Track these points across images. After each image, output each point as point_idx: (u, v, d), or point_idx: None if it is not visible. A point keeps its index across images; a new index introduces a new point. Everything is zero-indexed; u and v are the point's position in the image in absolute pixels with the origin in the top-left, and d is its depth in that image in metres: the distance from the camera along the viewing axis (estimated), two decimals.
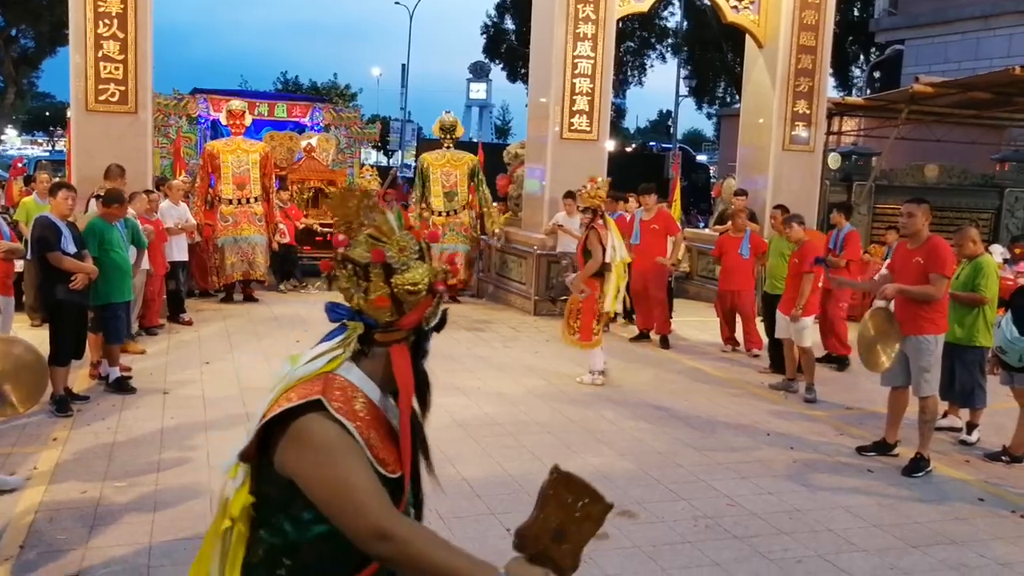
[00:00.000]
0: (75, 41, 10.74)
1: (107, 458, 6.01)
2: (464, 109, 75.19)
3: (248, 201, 12.55)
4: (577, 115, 12.57)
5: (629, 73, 43.20)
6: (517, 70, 42.39)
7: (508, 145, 19.27)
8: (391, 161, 48.50)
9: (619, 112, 52.24)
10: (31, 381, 5.55)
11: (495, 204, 14.36)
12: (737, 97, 22.89)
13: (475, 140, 35.73)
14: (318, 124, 17.96)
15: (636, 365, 9.59)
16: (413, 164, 30.98)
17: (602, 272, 8.46)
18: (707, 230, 15.75)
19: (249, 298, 12.56)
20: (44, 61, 39.92)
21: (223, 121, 14.48)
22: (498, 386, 8.29)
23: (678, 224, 11.71)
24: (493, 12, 45.73)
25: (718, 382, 9.05)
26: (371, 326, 2.04)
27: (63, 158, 17.89)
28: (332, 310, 2.11)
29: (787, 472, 6.35)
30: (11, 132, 58.53)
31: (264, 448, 2.00)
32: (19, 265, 8.33)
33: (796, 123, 13.57)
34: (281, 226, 13.28)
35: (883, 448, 6.80)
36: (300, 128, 17.73)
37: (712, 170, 35.88)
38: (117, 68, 10.74)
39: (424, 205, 13.24)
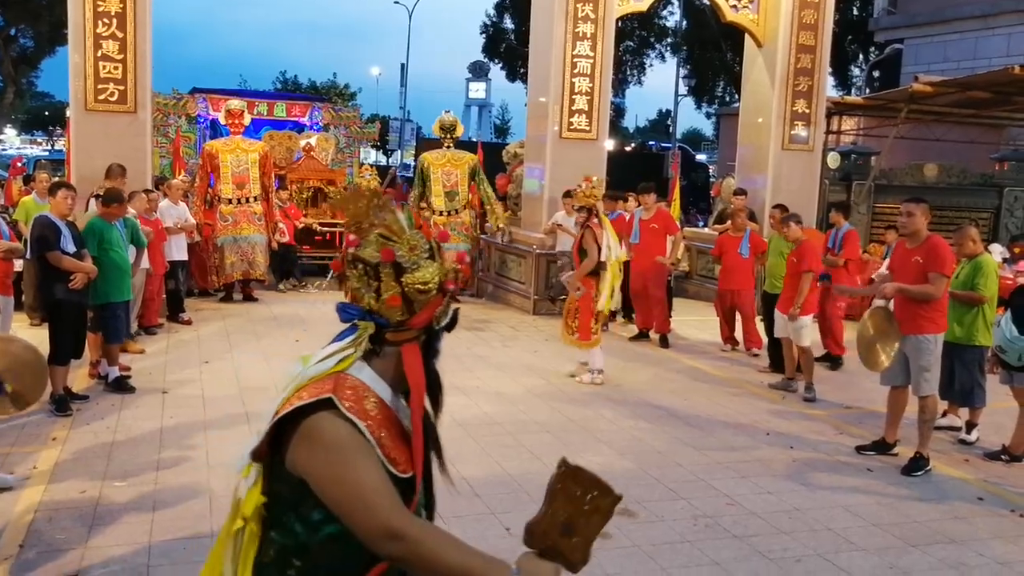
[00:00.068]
0: (74, 41, 10.73)
1: (106, 458, 6.01)
2: (463, 108, 75.13)
3: (247, 200, 12.55)
4: (576, 114, 12.57)
5: (628, 72, 43.17)
6: (516, 69, 42.36)
7: (507, 144, 19.27)
8: (390, 160, 48.45)
9: (618, 111, 52.24)
10: (31, 379, 5.55)
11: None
12: (736, 96, 22.88)
13: (474, 139, 35.73)
14: (317, 123, 17.97)
15: (635, 364, 9.59)
16: (412, 164, 30.98)
17: (598, 271, 8.47)
18: (706, 229, 15.76)
19: (248, 298, 12.56)
20: (43, 61, 39.92)
21: (222, 120, 14.48)
22: (497, 385, 8.29)
23: (677, 223, 11.73)
24: (492, 11, 45.71)
25: (717, 381, 9.05)
26: (382, 325, 2.03)
27: (62, 157, 17.88)
28: (343, 310, 2.10)
29: (786, 471, 6.35)
30: (10, 132, 58.52)
31: (276, 447, 2.00)
32: (18, 264, 8.33)
33: (795, 122, 13.57)
34: (281, 225, 13.30)
35: (882, 447, 6.80)
36: (299, 127, 17.74)
37: (711, 169, 35.88)
38: (116, 68, 10.73)
39: (424, 205, 13.24)
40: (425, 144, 23.73)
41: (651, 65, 44.65)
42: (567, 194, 11.59)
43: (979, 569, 4.88)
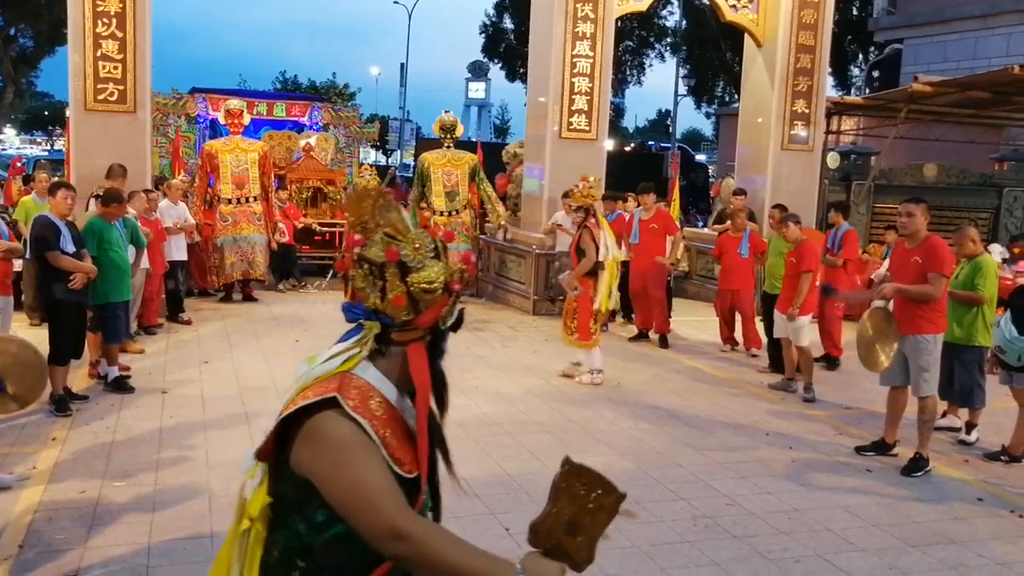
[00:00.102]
0: (74, 40, 10.73)
1: (106, 458, 6.01)
2: (463, 108, 75.16)
3: (247, 200, 12.56)
4: (576, 114, 12.58)
5: (628, 72, 43.16)
6: (516, 69, 42.35)
7: (507, 144, 19.27)
8: (390, 160, 48.49)
9: (618, 111, 52.21)
10: (31, 379, 5.55)
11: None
12: (736, 96, 22.87)
13: (474, 139, 35.74)
14: (317, 123, 17.95)
15: (635, 365, 9.59)
16: (412, 163, 30.99)
17: (595, 271, 8.48)
18: (706, 229, 15.76)
19: (248, 298, 12.56)
20: (43, 60, 39.90)
21: (221, 120, 14.48)
22: (497, 386, 8.29)
23: (677, 223, 11.72)
24: (492, 11, 45.69)
25: (717, 382, 9.05)
26: (388, 325, 2.03)
27: (62, 157, 17.88)
28: (348, 310, 2.10)
29: (786, 472, 6.35)
30: (10, 131, 58.52)
31: (281, 447, 2.00)
32: (18, 264, 8.32)
33: (795, 122, 13.58)
34: (280, 225, 13.30)
35: (882, 448, 6.81)
36: (299, 127, 17.73)
37: (711, 169, 35.91)
38: (116, 67, 10.73)
39: (424, 205, 13.24)
40: (425, 144, 23.74)
41: (651, 65, 44.69)
42: (567, 194, 11.58)
43: (979, 570, 4.88)
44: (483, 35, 46.33)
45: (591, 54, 12.47)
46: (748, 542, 5.07)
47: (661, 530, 5.14)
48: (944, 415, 7.50)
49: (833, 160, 14.87)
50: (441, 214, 13.18)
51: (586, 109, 12.59)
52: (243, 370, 8.55)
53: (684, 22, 40.19)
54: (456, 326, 2.12)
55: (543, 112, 12.74)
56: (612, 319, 11.61)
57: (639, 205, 11.11)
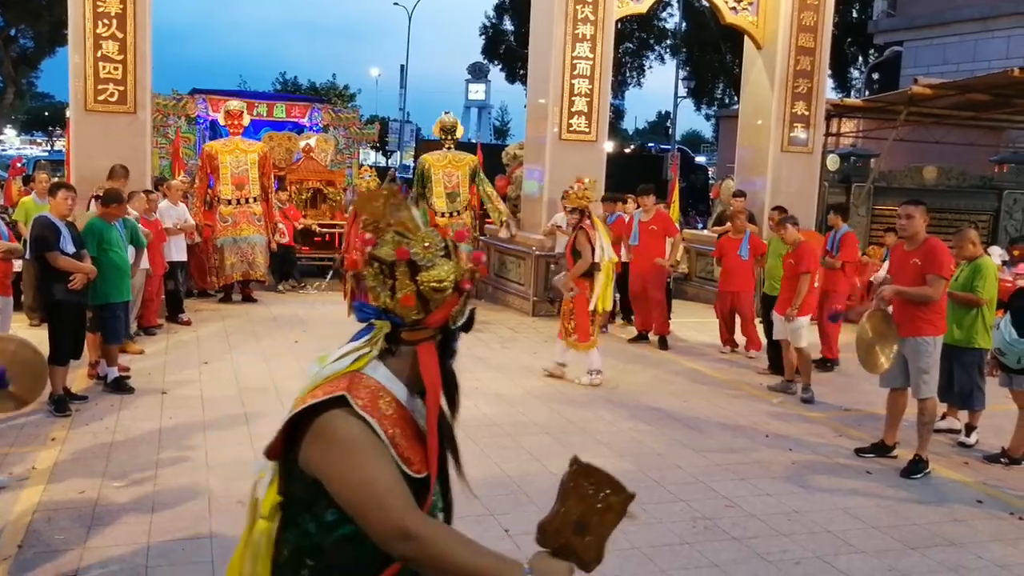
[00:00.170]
0: (74, 41, 10.73)
1: (105, 458, 6.01)
2: (463, 110, 75.19)
3: (247, 201, 12.56)
4: (576, 116, 12.58)
5: (628, 74, 43.20)
6: (516, 71, 42.39)
7: (507, 146, 19.27)
8: (389, 162, 48.49)
9: (618, 113, 52.26)
10: (30, 379, 5.54)
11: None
12: (736, 98, 22.87)
13: (474, 141, 35.73)
14: (317, 124, 17.96)
15: (635, 366, 9.59)
16: (412, 165, 30.97)
17: (591, 272, 8.48)
18: (705, 231, 15.76)
19: (248, 298, 12.56)
20: (43, 61, 39.95)
21: (221, 121, 14.48)
22: (496, 387, 8.28)
23: (676, 225, 11.73)
24: (492, 13, 45.79)
25: (717, 383, 9.05)
26: (398, 324, 2.02)
27: (62, 158, 17.89)
28: (359, 309, 2.09)
29: (786, 473, 6.35)
30: (10, 132, 58.51)
31: (291, 445, 1.99)
32: (18, 265, 8.32)
33: (795, 124, 13.58)
34: (280, 226, 13.30)
35: (882, 450, 6.81)
36: (299, 128, 17.74)
37: (711, 171, 35.91)
38: (116, 68, 10.73)
39: (424, 206, 13.24)
40: (424, 145, 23.73)
41: (650, 67, 44.81)
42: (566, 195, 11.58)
43: (978, 572, 4.88)
44: (483, 37, 46.41)
45: (591, 56, 12.48)
46: (748, 544, 5.07)
47: (660, 531, 5.14)
48: (944, 417, 7.50)
49: (833, 162, 14.86)
50: (442, 215, 13.18)
51: (586, 111, 12.60)
52: (243, 371, 8.55)
53: (684, 24, 40.22)
54: (467, 326, 2.11)
55: (543, 114, 12.75)
56: (612, 321, 11.62)
57: (639, 207, 11.11)
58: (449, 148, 13.52)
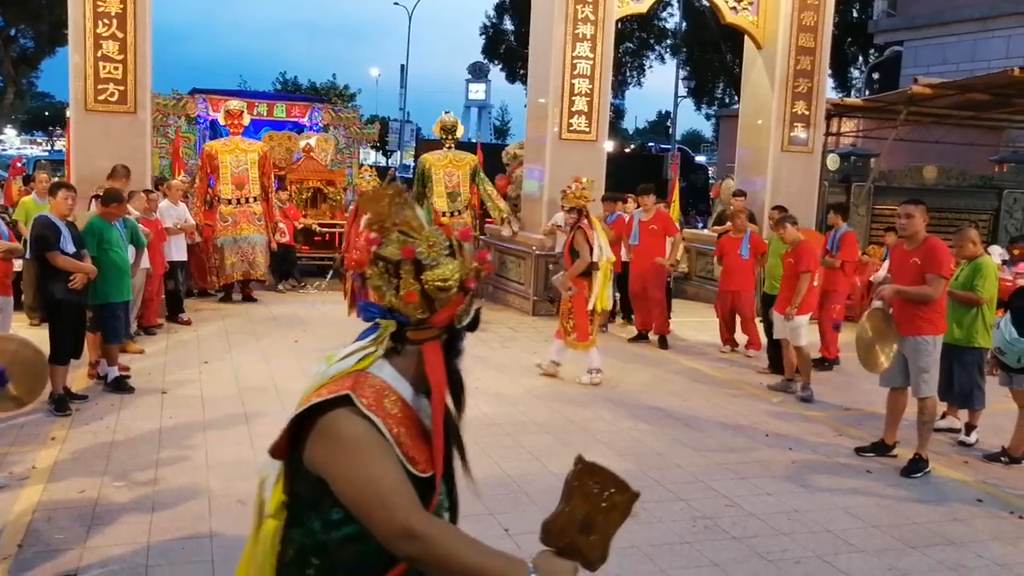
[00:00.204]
0: (74, 41, 10.73)
1: (105, 458, 6.01)
2: (463, 109, 75.18)
3: (247, 201, 12.57)
4: (576, 116, 12.58)
5: (628, 74, 43.18)
6: (516, 70, 42.39)
7: (507, 146, 19.27)
8: (390, 161, 48.49)
9: (618, 113, 52.25)
10: (31, 378, 5.55)
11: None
12: (736, 98, 22.88)
13: (474, 141, 35.72)
14: (317, 124, 17.96)
15: (635, 365, 9.59)
16: (412, 164, 30.98)
17: (589, 271, 8.49)
18: (705, 231, 15.76)
19: (248, 298, 12.56)
20: (43, 61, 39.91)
21: (221, 121, 14.48)
22: (496, 386, 8.28)
23: (676, 225, 11.73)
24: (492, 13, 45.77)
25: (717, 383, 9.05)
26: (403, 324, 2.02)
27: (62, 158, 17.89)
28: (365, 308, 2.09)
29: (786, 473, 6.35)
30: (10, 132, 58.51)
31: (296, 444, 1.99)
32: (18, 264, 8.33)
33: (795, 124, 13.58)
34: (281, 225, 13.31)
35: (882, 449, 6.81)
36: (299, 128, 17.74)
37: (711, 171, 35.89)
38: (116, 68, 10.73)
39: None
40: (425, 145, 23.72)
41: (651, 67, 44.76)
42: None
43: (978, 571, 4.88)
44: (483, 36, 46.40)
45: (591, 56, 12.48)
46: (747, 543, 5.07)
47: (660, 531, 5.14)
48: (944, 416, 7.50)
49: (833, 162, 14.86)
50: (443, 215, 13.18)
51: (586, 110, 12.60)
52: (242, 370, 8.55)
53: (684, 24, 40.21)
54: (473, 325, 2.11)
55: (543, 113, 12.75)
56: (612, 320, 11.62)
57: (639, 206, 11.11)
58: (449, 148, 13.52)
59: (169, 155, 15.48)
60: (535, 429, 7.06)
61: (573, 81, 12.47)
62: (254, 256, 12.39)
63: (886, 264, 9.33)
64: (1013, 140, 19.53)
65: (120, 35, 10.69)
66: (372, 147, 35.96)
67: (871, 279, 11.41)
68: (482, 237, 13.95)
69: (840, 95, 30.31)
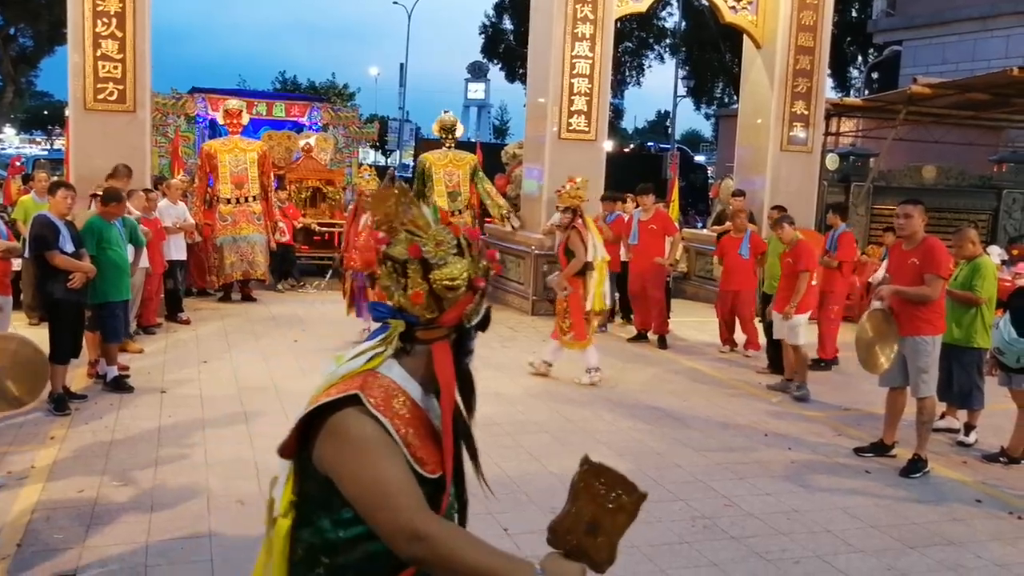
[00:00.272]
0: (73, 40, 10.72)
1: (104, 457, 6.01)
2: (462, 109, 75.23)
3: (246, 200, 12.57)
4: (575, 115, 12.57)
5: (627, 73, 43.19)
6: (515, 70, 42.39)
7: (506, 145, 19.28)
8: (389, 161, 48.46)
9: (617, 112, 52.22)
10: (31, 377, 5.55)
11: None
12: (735, 98, 22.86)
13: (473, 140, 35.72)
14: (316, 124, 17.96)
15: (634, 365, 9.59)
16: (411, 164, 30.96)
17: (584, 271, 8.49)
18: (705, 230, 15.76)
19: (247, 297, 12.56)
20: (42, 60, 39.88)
21: (220, 120, 14.48)
22: (496, 386, 8.28)
23: (676, 224, 11.73)
24: (491, 12, 45.77)
25: (716, 382, 9.05)
26: (412, 323, 2.02)
27: (61, 157, 17.87)
28: (374, 308, 2.09)
29: (785, 473, 6.35)
30: (9, 131, 58.46)
31: (305, 444, 1.99)
32: (17, 263, 8.32)
33: (794, 124, 13.58)
34: (281, 225, 13.31)
35: (881, 449, 6.81)
36: (298, 127, 17.73)
37: (710, 171, 35.91)
38: (116, 67, 10.72)
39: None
40: (424, 144, 23.72)
41: (650, 66, 44.77)
42: None
43: (977, 571, 4.88)
44: (482, 36, 46.40)
45: (590, 55, 12.47)
46: (747, 543, 5.07)
47: (660, 531, 5.14)
48: (943, 416, 7.50)
49: (832, 161, 14.87)
50: None
51: (585, 110, 12.59)
52: (242, 370, 8.55)
53: (683, 23, 40.22)
54: (482, 325, 2.10)
55: (542, 113, 12.74)
56: (611, 320, 11.62)
57: (638, 206, 11.11)
58: (449, 147, 13.53)
59: (168, 154, 15.48)
60: (534, 429, 7.06)
61: (572, 80, 12.47)
62: (253, 255, 12.39)
63: (885, 264, 9.34)
64: (1012, 140, 19.55)
65: (119, 34, 10.68)
66: (371, 146, 35.97)
67: (870, 279, 11.40)
68: (481, 237, 13.94)
69: (839, 95, 30.33)
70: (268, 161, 13.18)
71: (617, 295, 11.70)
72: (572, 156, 12.41)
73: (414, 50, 72.15)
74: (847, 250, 9.73)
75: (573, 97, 12.53)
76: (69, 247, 7.06)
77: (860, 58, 37.17)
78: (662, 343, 10.64)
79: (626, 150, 39.71)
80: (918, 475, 6.37)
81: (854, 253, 10.14)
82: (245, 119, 13.35)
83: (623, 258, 11.22)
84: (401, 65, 52.58)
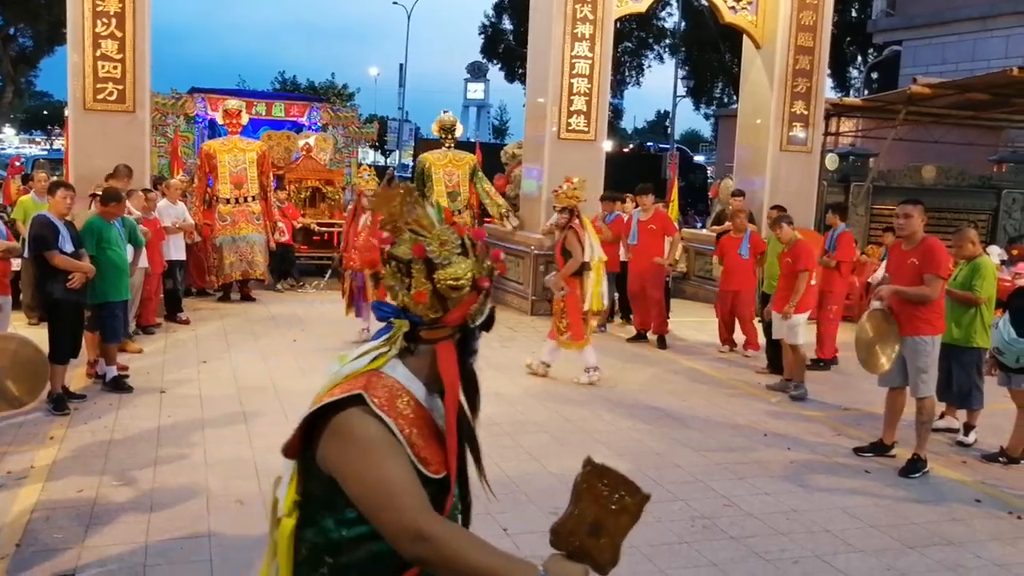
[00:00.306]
0: (73, 40, 10.72)
1: (104, 457, 6.00)
2: (462, 109, 75.30)
3: (246, 200, 12.57)
4: (575, 115, 12.57)
5: (627, 73, 43.16)
6: (515, 70, 42.38)
7: (505, 145, 19.26)
8: (388, 161, 48.46)
9: (617, 112, 52.23)
10: (31, 377, 5.55)
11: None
12: (735, 98, 22.87)
13: (473, 140, 35.71)
14: (316, 124, 17.95)
15: (633, 365, 9.59)
16: (411, 164, 30.96)
17: (581, 271, 8.49)
18: (704, 230, 15.76)
19: (246, 297, 12.56)
20: (42, 60, 39.86)
21: (219, 120, 14.48)
22: (495, 386, 8.27)
23: (675, 224, 11.73)
24: (491, 12, 45.74)
25: (715, 382, 9.05)
26: (417, 323, 2.01)
27: (61, 157, 17.85)
28: (378, 308, 2.08)
29: (784, 473, 6.35)
30: (9, 131, 58.44)
31: (309, 444, 1.99)
32: (16, 263, 8.32)
33: (794, 124, 13.57)
34: (280, 225, 13.30)
35: (880, 449, 6.81)
36: (298, 128, 17.72)
37: (709, 171, 35.90)
38: (115, 67, 10.72)
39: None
40: (423, 144, 23.72)
41: (649, 66, 44.74)
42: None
43: (976, 571, 4.88)
44: (482, 36, 46.37)
45: (590, 55, 12.47)
46: (746, 543, 5.07)
47: (659, 531, 5.14)
48: (942, 416, 7.50)
49: (832, 162, 14.87)
50: None
51: (585, 110, 12.59)
52: (241, 370, 8.55)
53: (683, 23, 40.20)
54: (487, 325, 2.10)
55: (542, 113, 12.74)
56: (611, 320, 11.62)
57: (637, 206, 11.11)
58: (449, 147, 13.53)
59: (168, 154, 15.47)
60: (533, 429, 7.05)
61: (572, 80, 12.47)
62: (253, 255, 12.39)
63: (884, 264, 9.33)
64: (1012, 140, 19.55)
65: (119, 34, 10.68)
66: (371, 146, 35.98)
67: (869, 280, 11.40)
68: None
69: (839, 95, 30.33)
70: (267, 161, 13.18)
71: (616, 295, 11.71)
72: (571, 156, 12.40)
73: (414, 50, 72.24)
74: (845, 250, 9.73)
75: (572, 97, 12.53)
76: (68, 247, 7.06)
77: (860, 58, 37.15)
78: (661, 343, 10.64)
79: (625, 150, 39.69)
80: (917, 475, 6.37)
81: (852, 253, 10.13)
82: (244, 119, 13.35)
83: (622, 258, 11.23)
84: (401, 65, 52.64)
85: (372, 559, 1.94)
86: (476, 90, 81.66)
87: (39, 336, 6.87)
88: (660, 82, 50.16)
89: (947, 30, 23.86)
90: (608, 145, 16.36)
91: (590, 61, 12.48)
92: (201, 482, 5.59)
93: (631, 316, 11.45)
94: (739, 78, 14.95)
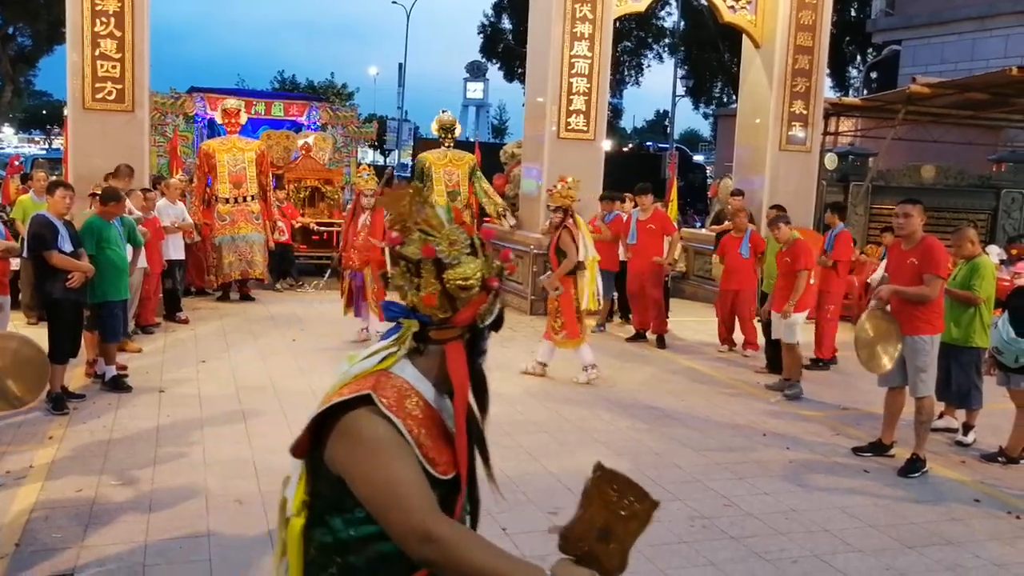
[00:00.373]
0: (72, 39, 10.71)
1: (103, 456, 6.00)
2: (461, 108, 75.27)
3: (245, 200, 12.57)
4: (574, 115, 12.58)
5: (626, 73, 43.14)
6: (514, 69, 42.34)
7: (505, 145, 19.26)
8: (388, 160, 48.42)
9: (616, 112, 52.22)
10: (32, 377, 5.55)
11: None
12: (734, 97, 22.89)
13: (472, 140, 35.70)
14: (315, 123, 17.94)
15: (632, 365, 9.59)
16: (410, 163, 30.95)
17: (575, 270, 8.50)
18: (703, 230, 15.76)
19: (245, 297, 12.56)
20: (41, 59, 39.81)
21: (218, 120, 14.48)
22: (494, 386, 8.07)
23: (674, 224, 11.73)
24: (490, 11, 45.69)
25: (715, 382, 9.05)
26: (426, 323, 2.01)
27: (60, 156, 17.85)
28: (387, 308, 2.08)
29: (783, 472, 6.35)
30: (8, 130, 58.41)
31: (317, 444, 1.99)
32: (15, 263, 8.32)
33: (793, 123, 13.58)
34: (279, 224, 13.30)
35: (879, 449, 6.81)
36: (297, 127, 17.72)
37: (708, 170, 35.89)
38: (114, 66, 10.72)
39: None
40: (423, 144, 23.71)
41: (649, 66, 44.69)
42: None
43: (975, 571, 4.88)
44: (481, 35, 46.34)
45: (589, 55, 12.47)
46: (745, 543, 5.07)
47: (658, 530, 5.13)
48: (941, 416, 7.50)
49: (831, 161, 14.87)
50: None
51: (584, 109, 12.60)
52: (240, 369, 8.55)
53: (682, 23, 40.17)
54: (496, 325, 2.09)
55: (541, 112, 12.74)
56: (610, 319, 11.62)
57: (636, 206, 11.11)
58: (448, 147, 13.53)
59: (167, 154, 15.46)
60: (533, 428, 7.05)
61: (571, 80, 12.47)
62: (252, 255, 12.39)
63: (883, 264, 9.33)
64: (1011, 139, 19.54)
65: (118, 34, 10.68)
66: (370, 146, 35.99)
67: (868, 279, 11.40)
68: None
69: (838, 94, 30.33)
70: (266, 160, 13.18)
71: (616, 294, 11.71)
72: (571, 155, 12.41)
73: (413, 50, 72.23)
74: (843, 250, 9.72)
75: (572, 96, 12.53)
76: (67, 247, 7.06)
77: (859, 58, 37.13)
78: (660, 343, 10.64)
79: (625, 149, 39.73)
80: (916, 475, 6.37)
81: (850, 253, 10.13)
82: (243, 118, 13.35)
83: (622, 258, 11.23)
84: (400, 64, 52.55)
85: (381, 559, 1.94)
86: (475, 90, 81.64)
87: (38, 336, 6.87)
88: (659, 82, 50.14)
89: (946, 30, 23.85)
90: (607, 145, 16.35)
91: (589, 60, 12.48)
92: (200, 482, 5.58)
93: (630, 316, 11.44)
94: (738, 78, 14.96)
